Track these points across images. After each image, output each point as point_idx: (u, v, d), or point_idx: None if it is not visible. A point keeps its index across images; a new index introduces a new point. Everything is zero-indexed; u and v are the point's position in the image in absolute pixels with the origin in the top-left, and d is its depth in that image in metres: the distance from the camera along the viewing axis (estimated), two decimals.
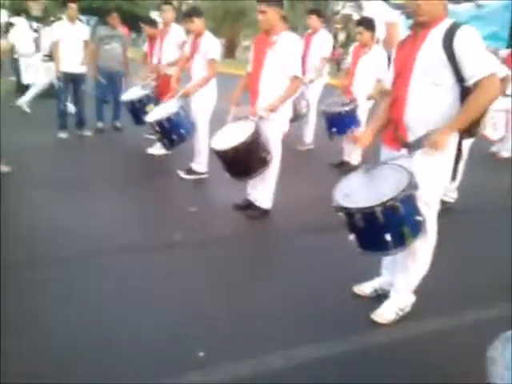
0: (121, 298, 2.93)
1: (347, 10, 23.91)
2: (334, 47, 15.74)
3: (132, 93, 6.05)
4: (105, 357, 2.40)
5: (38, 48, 9.73)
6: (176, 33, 6.21)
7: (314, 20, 6.73)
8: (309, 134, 6.97)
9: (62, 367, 2.30)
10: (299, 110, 6.23)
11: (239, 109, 4.32)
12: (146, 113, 5.52)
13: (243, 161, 3.89)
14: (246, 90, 4.35)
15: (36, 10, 12.61)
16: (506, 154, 7.03)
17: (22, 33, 9.87)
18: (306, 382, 2.32)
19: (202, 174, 5.33)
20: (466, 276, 3.40)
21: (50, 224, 3.91)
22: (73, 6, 6.57)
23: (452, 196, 4.64)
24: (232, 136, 3.91)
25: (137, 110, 5.79)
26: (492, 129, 6.33)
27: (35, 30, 9.02)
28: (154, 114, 5.13)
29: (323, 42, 6.73)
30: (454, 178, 2.69)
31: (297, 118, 6.11)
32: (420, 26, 2.56)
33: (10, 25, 10.26)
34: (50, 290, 3.00)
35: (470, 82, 2.44)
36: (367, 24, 5.61)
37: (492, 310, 2.96)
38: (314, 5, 16.75)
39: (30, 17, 10.88)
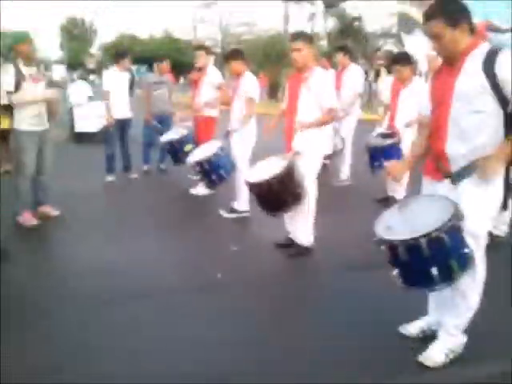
0: (168, 338, 2.93)
1: (388, 46, 24.01)
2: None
3: (171, 134, 6.23)
4: None
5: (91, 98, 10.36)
6: (213, 75, 6.42)
7: (340, 56, 6.79)
8: (345, 170, 6.90)
9: None
10: (335, 145, 6.22)
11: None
12: (184, 153, 5.66)
13: (276, 194, 3.85)
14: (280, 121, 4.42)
15: (91, 63, 13.53)
16: None
17: (77, 85, 10.62)
18: None
19: (244, 212, 5.33)
20: None
21: (99, 265, 3.98)
22: (127, 57, 7.01)
23: (503, 229, 4.38)
24: (266, 170, 3.92)
25: (176, 150, 5.95)
26: None
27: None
28: (195, 155, 5.23)
29: (354, 77, 6.74)
30: (505, 207, 2.54)
31: (333, 154, 6.11)
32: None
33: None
34: (101, 327, 3.05)
35: None
36: (402, 60, 5.54)
37: None
38: (354, 43, 16.88)
39: (85, 70, 11.66)
